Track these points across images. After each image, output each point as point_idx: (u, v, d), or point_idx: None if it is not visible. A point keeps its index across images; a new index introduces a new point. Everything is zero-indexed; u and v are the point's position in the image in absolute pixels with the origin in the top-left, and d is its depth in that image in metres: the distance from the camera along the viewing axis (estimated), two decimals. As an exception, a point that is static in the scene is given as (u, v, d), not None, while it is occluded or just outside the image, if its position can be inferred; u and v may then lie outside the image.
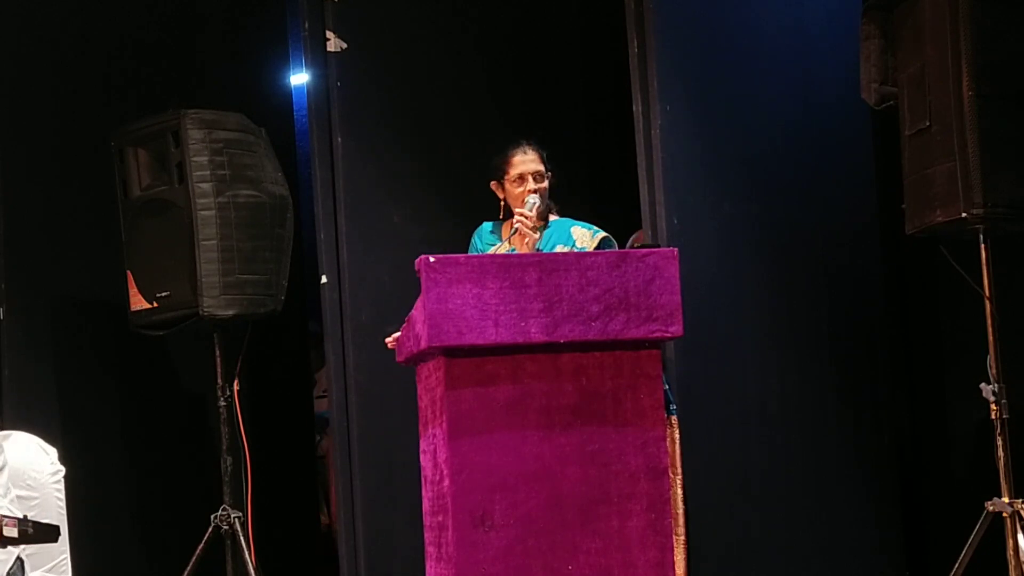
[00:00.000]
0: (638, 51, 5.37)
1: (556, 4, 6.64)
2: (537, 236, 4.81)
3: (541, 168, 4.93)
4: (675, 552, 4.57)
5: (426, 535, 4.40)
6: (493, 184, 5.00)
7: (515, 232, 4.82)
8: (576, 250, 4.80)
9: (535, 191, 4.89)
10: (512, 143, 5.00)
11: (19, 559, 5.16)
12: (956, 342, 5.88)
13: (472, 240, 5.09)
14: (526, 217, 4.81)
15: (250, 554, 5.71)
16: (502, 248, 4.91)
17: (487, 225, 5.09)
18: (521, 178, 4.91)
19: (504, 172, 4.95)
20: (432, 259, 4.07)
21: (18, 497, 5.42)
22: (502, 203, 5.00)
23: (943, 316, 6.01)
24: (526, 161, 4.93)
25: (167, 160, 5.87)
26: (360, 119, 6.13)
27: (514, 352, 4.08)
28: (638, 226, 5.41)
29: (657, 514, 4.07)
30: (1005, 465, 4.78)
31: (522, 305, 4.06)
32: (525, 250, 4.75)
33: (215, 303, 5.75)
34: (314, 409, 7.52)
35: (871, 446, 5.78)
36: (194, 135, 5.79)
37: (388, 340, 4.94)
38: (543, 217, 4.98)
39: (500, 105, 6.34)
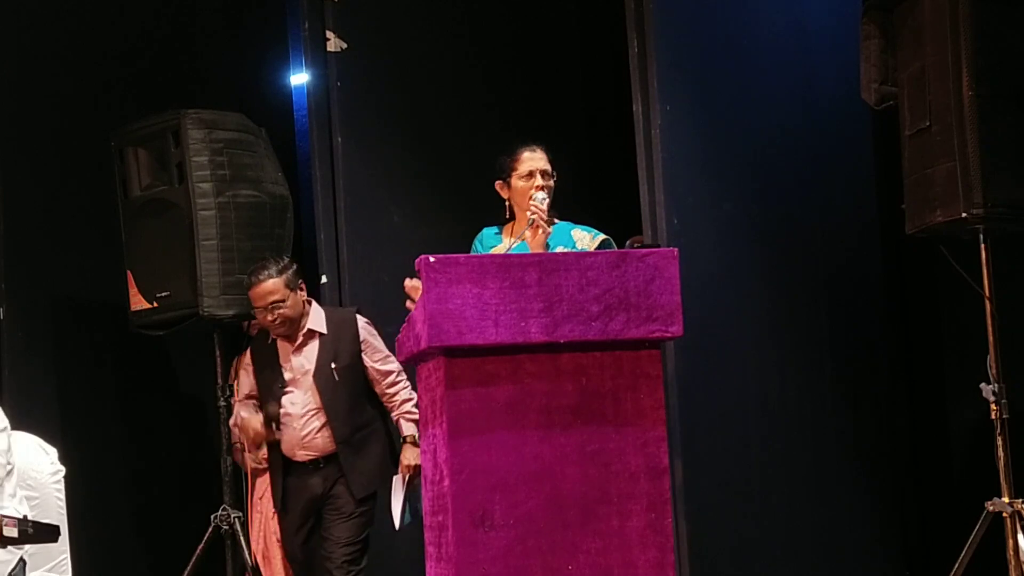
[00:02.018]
0: (638, 51, 5.37)
1: (556, 4, 6.64)
2: (551, 230, 4.79)
3: (549, 168, 4.92)
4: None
5: (426, 535, 4.40)
6: (498, 184, 4.96)
7: (531, 224, 4.76)
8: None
9: (543, 188, 4.87)
10: (520, 142, 4.98)
11: (22, 560, 5.15)
12: (956, 342, 5.88)
13: (473, 246, 5.05)
14: (540, 210, 4.77)
15: (249, 553, 5.72)
16: (502, 247, 4.90)
17: (489, 230, 5.05)
18: (530, 174, 4.90)
19: (512, 169, 4.92)
20: (432, 259, 4.07)
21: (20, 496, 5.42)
22: (507, 203, 4.97)
23: (943, 316, 6.01)
24: (535, 158, 4.91)
25: (167, 160, 5.87)
26: (360, 119, 6.13)
27: (514, 352, 4.08)
28: (638, 226, 5.41)
29: (657, 514, 4.07)
30: (1005, 465, 4.78)
31: (522, 305, 4.06)
32: (536, 245, 4.71)
33: (215, 303, 5.76)
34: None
35: (871, 446, 5.78)
36: (194, 135, 5.79)
37: (408, 282, 4.66)
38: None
39: (500, 105, 6.35)
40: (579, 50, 6.72)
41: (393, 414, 5.62)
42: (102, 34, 6.60)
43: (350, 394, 5.51)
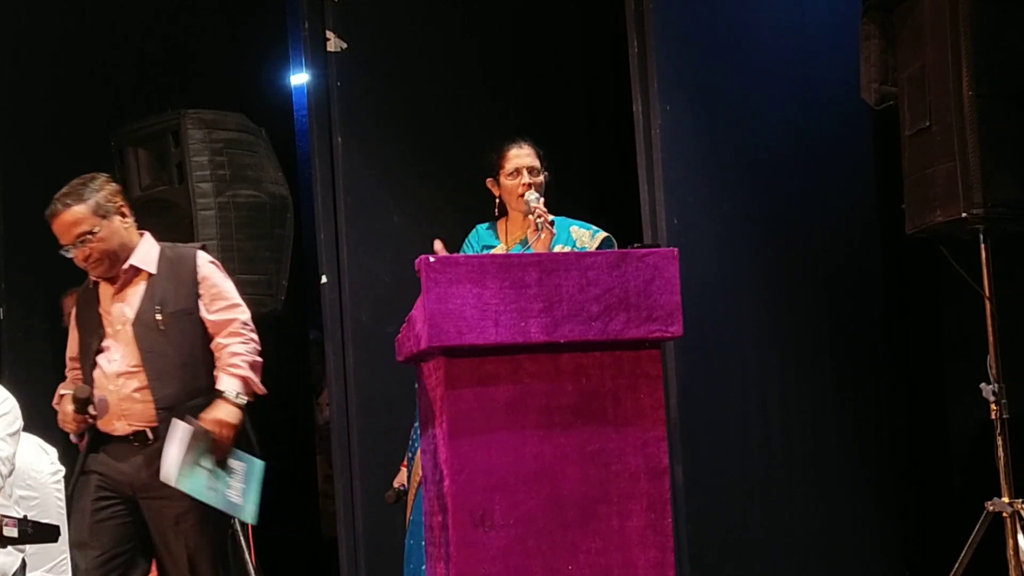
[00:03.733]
0: (638, 51, 5.38)
1: (556, 4, 6.64)
2: (555, 232, 4.79)
3: (536, 163, 4.92)
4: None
5: (426, 535, 4.40)
6: (489, 182, 4.98)
7: (539, 228, 4.75)
8: (576, 250, 4.79)
9: (530, 185, 4.87)
10: (508, 138, 5.00)
11: (24, 562, 5.15)
12: (956, 342, 5.89)
13: (468, 242, 5.05)
14: (543, 211, 4.76)
15: (250, 554, 5.71)
16: (500, 248, 4.90)
17: (483, 226, 5.06)
18: (516, 171, 4.90)
19: (500, 167, 4.93)
20: (432, 259, 4.07)
21: (19, 497, 5.42)
22: (497, 200, 4.98)
23: (943, 316, 6.01)
24: (521, 155, 4.92)
25: (167, 160, 5.87)
26: (360, 119, 6.13)
27: (514, 352, 4.07)
28: (638, 226, 5.41)
29: (657, 514, 4.07)
30: (1005, 465, 4.79)
31: (522, 305, 4.06)
32: (541, 247, 4.71)
33: (215, 303, 5.74)
34: (317, 417, 7.54)
35: (871, 446, 5.78)
36: (194, 135, 5.79)
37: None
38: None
39: (500, 105, 6.35)
40: (579, 50, 6.72)
41: (217, 369, 4.50)
42: (102, 34, 6.60)
43: (179, 348, 4.46)
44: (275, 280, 5.96)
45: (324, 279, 6.07)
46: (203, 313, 4.50)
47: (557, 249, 4.80)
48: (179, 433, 4.31)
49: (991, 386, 4.79)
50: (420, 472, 5.18)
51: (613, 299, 4.09)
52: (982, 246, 4.83)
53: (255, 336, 4.54)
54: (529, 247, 4.74)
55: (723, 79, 5.56)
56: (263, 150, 6.01)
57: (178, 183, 5.83)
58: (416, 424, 5.38)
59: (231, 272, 5.71)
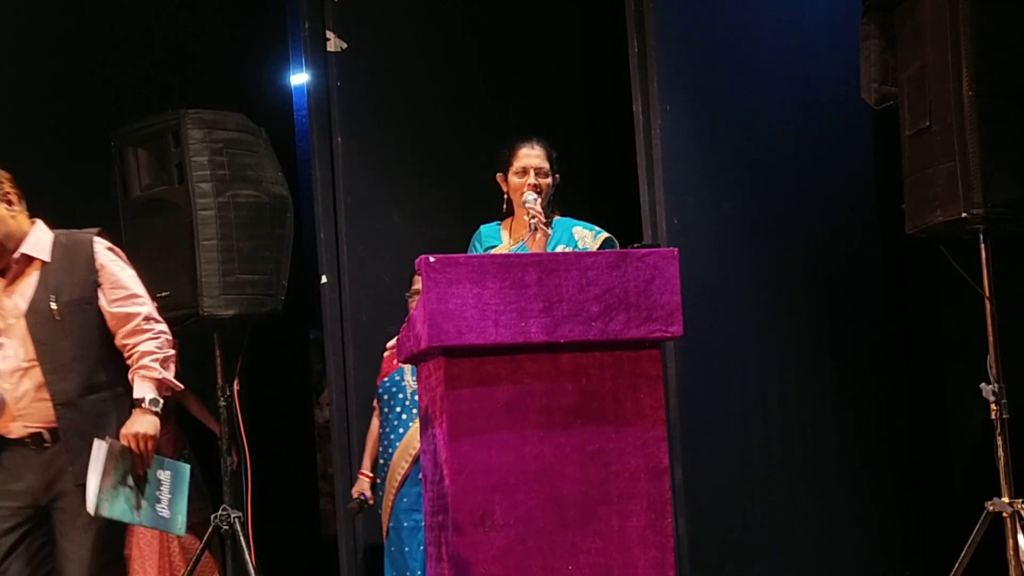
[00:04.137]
0: (638, 51, 5.38)
1: (556, 4, 6.65)
2: (550, 232, 4.78)
3: (545, 165, 4.90)
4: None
5: (426, 535, 4.40)
6: (499, 176, 4.96)
7: (532, 229, 4.75)
8: (578, 250, 4.78)
9: (535, 186, 4.86)
10: (522, 136, 4.98)
11: None
12: (956, 342, 5.89)
13: (472, 244, 5.05)
14: (538, 213, 4.76)
15: (250, 554, 5.71)
16: (503, 247, 4.90)
17: (487, 227, 5.06)
18: (524, 171, 4.88)
19: (508, 164, 4.92)
20: (432, 259, 4.07)
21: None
22: (506, 196, 4.96)
23: (943, 316, 6.01)
24: (531, 155, 4.90)
25: (167, 160, 5.87)
26: (360, 119, 6.13)
27: (514, 352, 4.07)
28: (638, 226, 5.41)
29: (657, 514, 4.07)
30: (1005, 465, 4.79)
31: (522, 305, 4.06)
32: (536, 247, 4.71)
33: (215, 303, 5.74)
34: (316, 416, 7.53)
35: (871, 446, 5.78)
36: (194, 135, 5.79)
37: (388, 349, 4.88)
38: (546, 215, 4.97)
39: (500, 105, 6.35)
40: (579, 50, 6.72)
41: (130, 372, 4.27)
42: (102, 34, 6.61)
43: (78, 340, 4.20)
44: (275, 280, 5.95)
45: (324, 279, 6.08)
46: (102, 303, 4.24)
47: (559, 249, 4.80)
48: (96, 454, 4.04)
49: (991, 386, 4.79)
50: (398, 478, 5.22)
51: (613, 299, 4.09)
52: (982, 246, 4.83)
53: (164, 328, 4.33)
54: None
55: (723, 79, 5.57)
56: (263, 150, 6.01)
57: (178, 183, 5.82)
58: (385, 430, 5.40)
59: (231, 272, 5.75)
